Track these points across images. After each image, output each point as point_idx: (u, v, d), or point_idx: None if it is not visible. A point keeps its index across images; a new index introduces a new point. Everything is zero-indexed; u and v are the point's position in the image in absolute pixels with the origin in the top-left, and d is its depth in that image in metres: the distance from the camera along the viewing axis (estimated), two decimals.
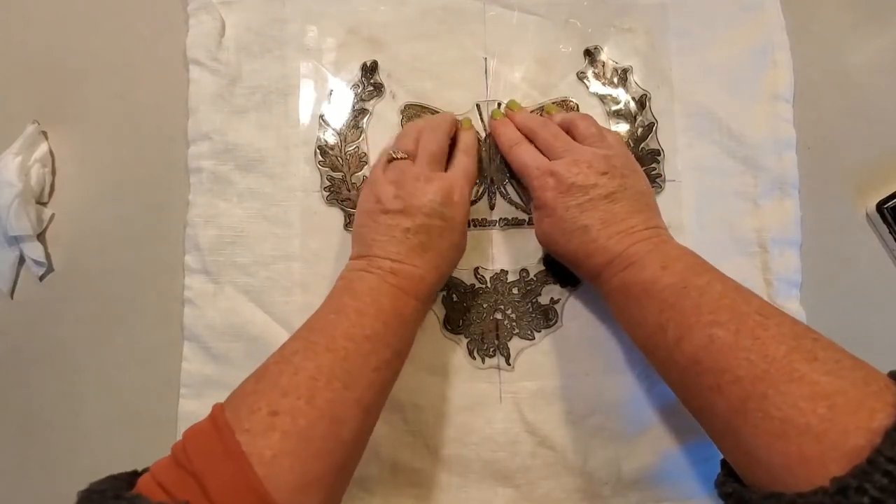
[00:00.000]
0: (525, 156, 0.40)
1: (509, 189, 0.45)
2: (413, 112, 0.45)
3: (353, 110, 0.45)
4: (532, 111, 0.45)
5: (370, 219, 0.38)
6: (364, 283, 0.36)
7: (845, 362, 0.28)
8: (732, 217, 0.45)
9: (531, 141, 0.42)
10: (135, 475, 0.29)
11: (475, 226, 0.44)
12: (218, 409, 0.30)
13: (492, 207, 0.45)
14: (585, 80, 0.46)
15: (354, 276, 0.37)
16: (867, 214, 0.46)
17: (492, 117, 0.44)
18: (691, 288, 0.33)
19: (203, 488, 0.26)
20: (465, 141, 0.43)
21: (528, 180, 0.40)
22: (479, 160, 0.44)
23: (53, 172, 0.46)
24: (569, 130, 0.41)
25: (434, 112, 0.45)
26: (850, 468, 0.24)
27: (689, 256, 0.35)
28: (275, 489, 0.27)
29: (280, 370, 0.32)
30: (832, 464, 0.25)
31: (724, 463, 0.33)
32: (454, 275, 0.44)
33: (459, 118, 0.44)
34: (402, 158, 0.39)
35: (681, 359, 0.32)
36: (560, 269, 0.44)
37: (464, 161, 0.41)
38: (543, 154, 0.40)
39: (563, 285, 0.44)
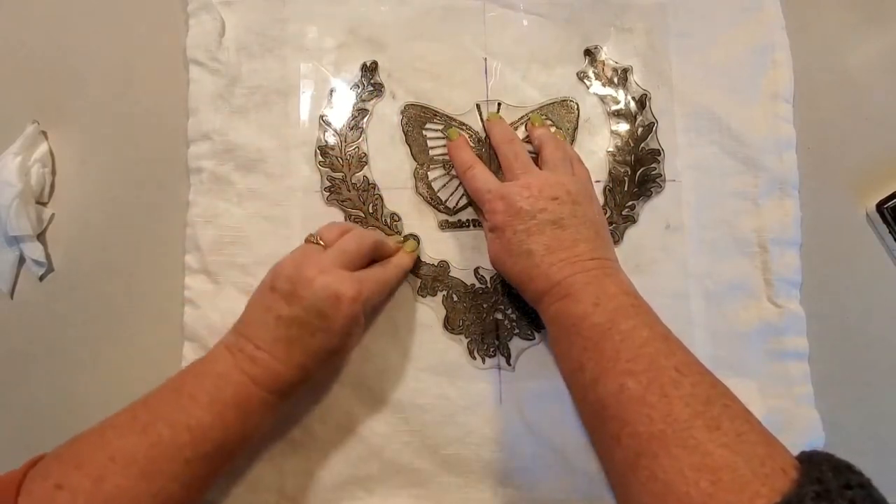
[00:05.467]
0: (477, 180, 0.40)
1: None
2: (413, 112, 0.45)
3: (354, 110, 0.45)
4: (523, 116, 0.45)
5: (259, 292, 0.37)
6: (216, 365, 0.35)
7: (749, 436, 0.27)
8: (732, 217, 0.45)
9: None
10: None
11: (475, 226, 0.44)
12: (31, 461, 0.31)
13: None
14: (585, 80, 0.46)
15: (216, 351, 0.36)
16: (867, 214, 0.46)
17: (448, 139, 0.44)
18: (615, 331, 0.32)
19: None
20: (399, 257, 0.42)
21: (480, 204, 0.41)
22: (480, 160, 0.43)
23: (53, 172, 0.45)
24: (539, 149, 0.42)
25: (434, 112, 0.45)
26: None
27: (624, 296, 0.34)
28: None
29: (92, 439, 0.32)
30: None
31: None
32: (454, 275, 0.44)
33: (396, 242, 0.43)
34: (316, 243, 0.38)
35: (593, 401, 0.32)
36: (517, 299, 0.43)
37: (379, 271, 0.39)
38: (504, 170, 0.41)
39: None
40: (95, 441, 0.32)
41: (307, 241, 0.39)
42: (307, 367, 0.36)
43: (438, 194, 0.44)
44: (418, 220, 0.44)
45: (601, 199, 0.44)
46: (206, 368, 0.35)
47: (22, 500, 0.29)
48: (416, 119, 0.45)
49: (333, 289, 0.35)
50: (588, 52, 0.46)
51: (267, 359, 0.35)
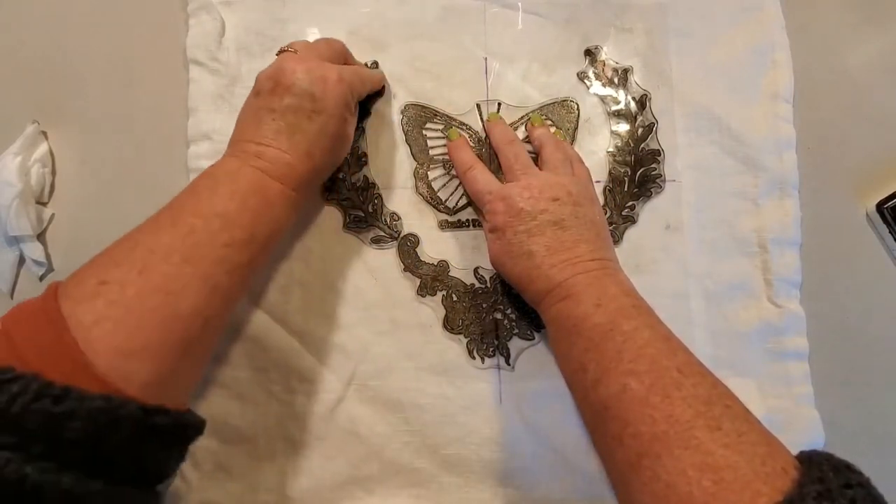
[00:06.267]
0: (477, 181, 0.41)
1: None
2: (413, 112, 0.45)
3: None
4: (523, 116, 0.45)
5: (246, 105, 0.37)
6: (224, 167, 0.35)
7: (750, 436, 0.27)
8: (732, 217, 0.45)
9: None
10: None
11: (475, 226, 0.44)
12: (53, 284, 0.29)
13: None
14: (585, 80, 0.46)
15: (221, 160, 0.36)
16: (867, 214, 0.46)
17: (448, 139, 0.44)
18: (617, 331, 0.32)
19: (14, 348, 0.26)
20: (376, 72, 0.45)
21: (481, 204, 0.41)
22: (480, 160, 0.43)
23: (53, 172, 0.45)
24: (539, 150, 0.42)
25: (434, 112, 0.45)
26: None
27: (625, 297, 0.34)
28: (93, 353, 0.26)
29: (119, 245, 0.31)
30: None
31: None
32: (454, 274, 0.44)
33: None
34: (290, 51, 0.38)
35: (595, 401, 0.32)
36: (517, 299, 0.43)
37: (354, 66, 0.42)
38: (504, 171, 0.41)
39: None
40: (126, 244, 0.31)
41: (279, 52, 0.39)
42: (313, 154, 0.36)
43: (438, 194, 0.44)
44: (418, 220, 0.44)
45: (601, 200, 0.44)
46: (215, 171, 0.35)
47: (63, 303, 0.27)
48: (416, 119, 0.45)
49: (317, 72, 0.36)
50: (588, 53, 0.46)
51: (273, 151, 0.35)
